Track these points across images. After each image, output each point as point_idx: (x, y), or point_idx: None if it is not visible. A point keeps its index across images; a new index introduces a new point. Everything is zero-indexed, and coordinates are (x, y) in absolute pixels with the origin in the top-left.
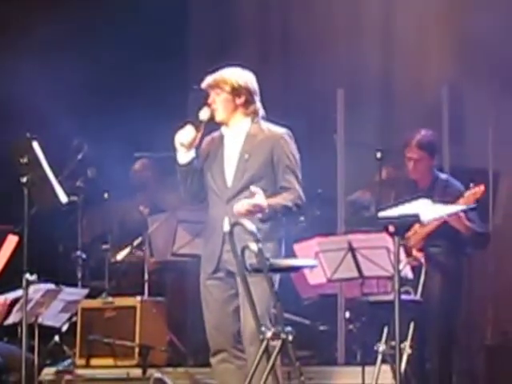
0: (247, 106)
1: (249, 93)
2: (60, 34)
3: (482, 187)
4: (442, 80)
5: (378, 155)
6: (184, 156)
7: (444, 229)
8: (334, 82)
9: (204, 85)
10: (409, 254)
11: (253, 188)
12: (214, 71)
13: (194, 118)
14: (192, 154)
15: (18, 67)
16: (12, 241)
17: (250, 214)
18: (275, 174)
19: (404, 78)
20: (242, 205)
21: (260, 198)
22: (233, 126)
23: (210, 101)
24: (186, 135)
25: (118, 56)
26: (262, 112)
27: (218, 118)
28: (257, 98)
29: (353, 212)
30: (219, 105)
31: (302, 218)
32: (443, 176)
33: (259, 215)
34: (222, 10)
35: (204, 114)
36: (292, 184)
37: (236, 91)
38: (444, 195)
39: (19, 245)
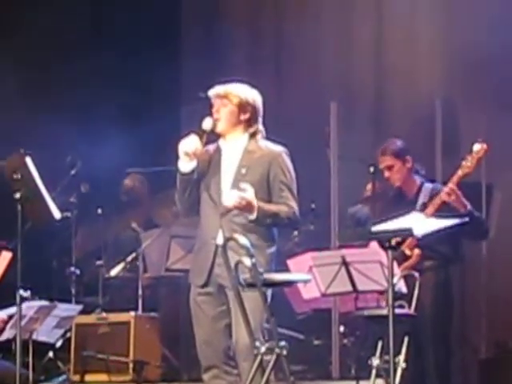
0: (250, 123)
1: (254, 112)
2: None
3: (484, 145)
4: (434, 93)
5: (371, 169)
6: (186, 165)
7: (442, 235)
8: (326, 95)
9: (212, 92)
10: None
11: (243, 185)
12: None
13: (188, 132)
14: (194, 163)
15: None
16: (5, 257)
17: (238, 208)
18: (270, 190)
19: (397, 92)
20: (232, 196)
21: (250, 194)
22: (231, 140)
23: (214, 110)
24: (190, 144)
25: (111, 70)
26: (262, 133)
27: (219, 128)
28: (260, 120)
29: (351, 225)
30: (223, 115)
31: (295, 233)
32: (429, 184)
33: (249, 216)
34: (214, 26)
35: (207, 124)
36: (288, 200)
37: (243, 107)
38: (431, 197)
39: (13, 261)
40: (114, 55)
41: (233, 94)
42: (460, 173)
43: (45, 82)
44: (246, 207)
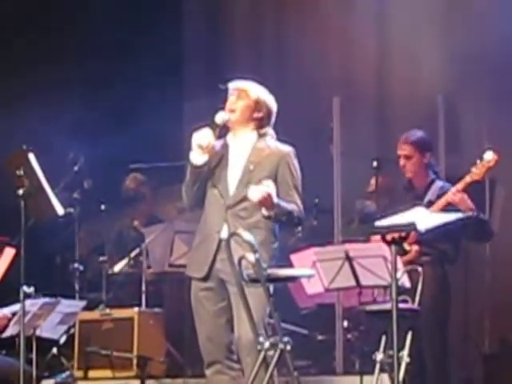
0: (261, 124)
1: (268, 114)
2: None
3: (496, 155)
4: (437, 89)
5: (374, 164)
6: (199, 158)
7: (442, 233)
8: (329, 90)
9: (232, 85)
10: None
11: (265, 181)
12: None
13: (190, 129)
14: (206, 156)
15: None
16: (9, 253)
17: (262, 202)
18: (277, 188)
19: (399, 87)
20: (258, 190)
21: (273, 190)
22: (240, 137)
23: (230, 101)
24: (204, 137)
25: (112, 67)
26: (273, 135)
27: (233, 118)
28: (271, 124)
29: (355, 219)
30: (239, 108)
31: (299, 229)
32: (440, 183)
33: (267, 212)
34: (215, 23)
35: (220, 118)
36: (295, 199)
37: (259, 105)
38: (439, 196)
39: (16, 257)
40: (115, 53)
41: (252, 90)
42: (468, 179)
43: (45, 80)
44: (269, 203)
